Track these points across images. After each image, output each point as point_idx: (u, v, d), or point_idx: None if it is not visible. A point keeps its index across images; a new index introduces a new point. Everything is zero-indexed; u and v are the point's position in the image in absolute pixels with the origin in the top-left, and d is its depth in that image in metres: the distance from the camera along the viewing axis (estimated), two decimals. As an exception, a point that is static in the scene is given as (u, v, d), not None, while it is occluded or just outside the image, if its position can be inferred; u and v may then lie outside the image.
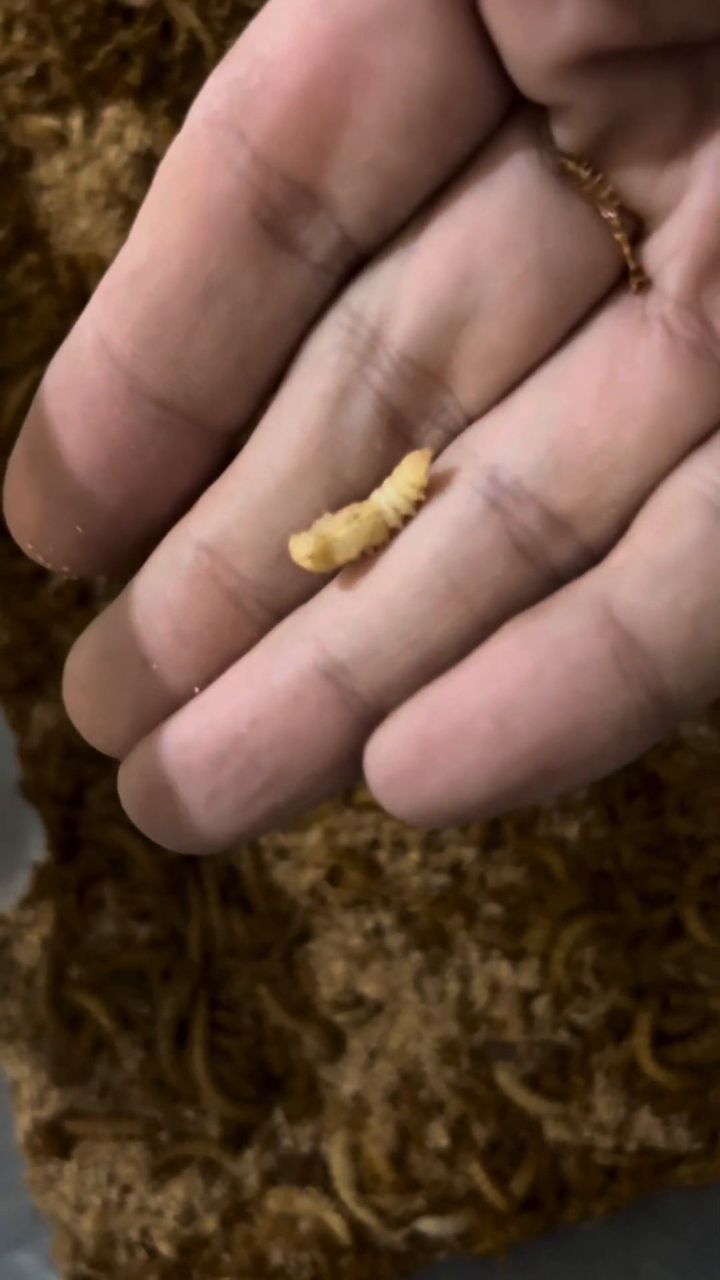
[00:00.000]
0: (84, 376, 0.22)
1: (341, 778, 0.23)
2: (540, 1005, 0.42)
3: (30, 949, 0.43)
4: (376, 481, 0.22)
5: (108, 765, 0.44)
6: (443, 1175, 0.42)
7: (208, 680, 0.23)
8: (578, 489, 0.21)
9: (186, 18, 0.40)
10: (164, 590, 0.23)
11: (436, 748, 0.21)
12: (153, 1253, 0.42)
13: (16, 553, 0.43)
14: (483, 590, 0.22)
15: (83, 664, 0.24)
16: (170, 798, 0.23)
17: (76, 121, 0.41)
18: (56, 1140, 0.43)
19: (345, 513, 0.22)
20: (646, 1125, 0.42)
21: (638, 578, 0.21)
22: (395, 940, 0.43)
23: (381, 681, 0.22)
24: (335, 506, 0.22)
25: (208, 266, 0.21)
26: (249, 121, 0.20)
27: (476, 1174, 0.42)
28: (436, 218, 0.21)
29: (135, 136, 0.41)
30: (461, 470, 0.22)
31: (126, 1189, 0.43)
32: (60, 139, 0.41)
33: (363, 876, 0.43)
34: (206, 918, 0.43)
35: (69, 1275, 0.43)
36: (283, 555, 0.22)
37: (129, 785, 0.23)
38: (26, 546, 0.23)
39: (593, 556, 0.22)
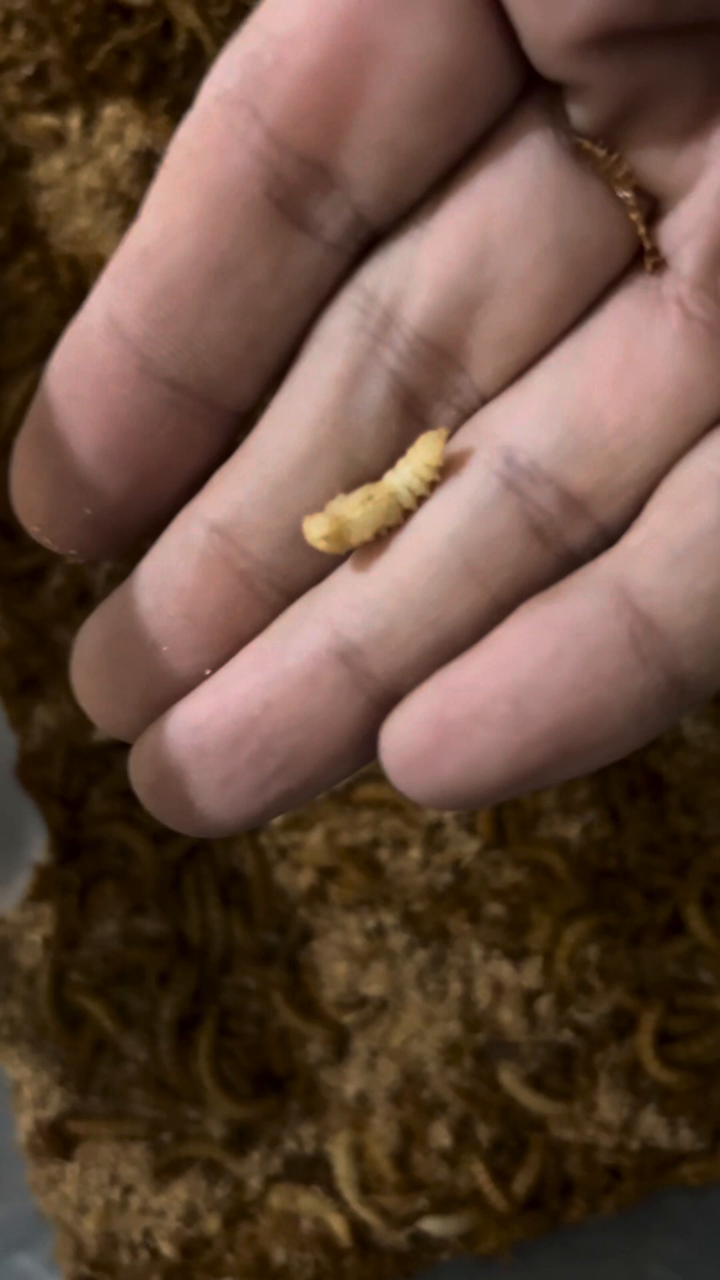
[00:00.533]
0: (94, 356, 0.21)
1: (356, 760, 0.23)
2: (543, 1005, 0.42)
3: (31, 950, 0.43)
4: (390, 462, 0.22)
5: (110, 765, 0.44)
6: (446, 1175, 0.42)
7: (219, 663, 0.23)
8: (595, 470, 0.21)
9: (187, 16, 0.40)
10: (175, 572, 0.22)
11: (453, 731, 0.21)
12: (155, 1253, 0.42)
13: (16, 553, 0.43)
14: (499, 572, 0.21)
15: (91, 647, 0.23)
16: (183, 781, 0.22)
17: (76, 120, 0.41)
18: (58, 1141, 0.43)
19: (359, 494, 0.21)
20: (650, 1124, 0.42)
21: (654, 559, 0.20)
22: (397, 940, 0.42)
23: (396, 664, 0.22)
24: (349, 487, 0.22)
25: (220, 245, 0.21)
26: (262, 99, 0.20)
27: (479, 1174, 0.41)
28: (451, 197, 0.21)
29: (135, 135, 0.40)
30: (477, 451, 0.22)
31: (129, 1190, 0.42)
32: (59, 138, 0.41)
33: (364, 876, 0.42)
34: (208, 918, 0.43)
35: (71, 1277, 0.42)
36: (295, 537, 0.22)
37: (140, 768, 0.23)
38: (34, 530, 0.23)
39: (608, 539, 0.21)
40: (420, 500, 0.22)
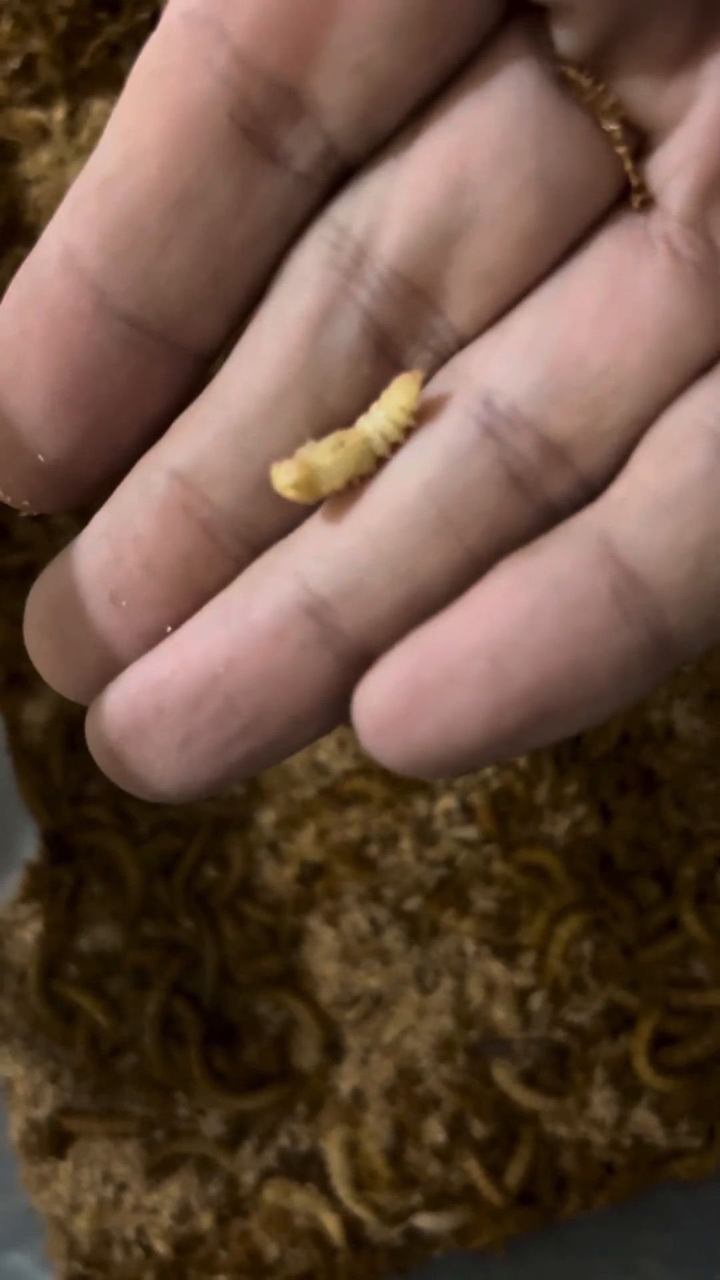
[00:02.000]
0: (49, 292, 0.20)
1: (324, 722, 0.21)
2: (536, 1001, 0.42)
3: (23, 947, 0.43)
4: (362, 407, 0.21)
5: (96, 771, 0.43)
6: (439, 1171, 0.41)
7: (180, 619, 0.21)
8: (577, 415, 0.20)
9: (175, 9, 0.39)
10: (134, 521, 0.21)
11: (428, 692, 0.19)
12: (149, 1251, 0.42)
13: (8, 550, 0.42)
14: (476, 523, 0.20)
15: (45, 602, 0.22)
16: (141, 742, 0.21)
17: (63, 114, 0.40)
18: (51, 1139, 0.42)
19: (331, 440, 0.20)
20: (644, 1121, 0.41)
21: (639, 511, 0.19)
22: (389, 936, 0.42)
23: (367, 619, 0.20)
24: (318, 433, 0.21)
25: (184, 173, 0.19)
26: (230, 17, 0.19)
27: (473, 1169, 0.41)
28: (429, 127, 0.20)
29: (124, 130, 0.40)
30: (455, 395, 0.20)
31: (122, 1187, 0.42)
32: (46, 132, 0.40)
33: (355, 873, 0.42)
34: (197, 917, 0.43)
35: (64, 1275, 0.42)
36: (261, 485, 0.21)
37: (96, 730, 0.22)
38: None
39: (590, 491, 0.20)
40: (394, 447, 0.20)
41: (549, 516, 0.20)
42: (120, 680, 0.22)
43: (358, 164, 0.20)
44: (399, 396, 0.20)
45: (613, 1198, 0.41)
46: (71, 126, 0.40)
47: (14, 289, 0.20)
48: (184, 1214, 0.41)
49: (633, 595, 0.19)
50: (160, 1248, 0.41)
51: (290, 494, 0.20)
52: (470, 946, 0.42)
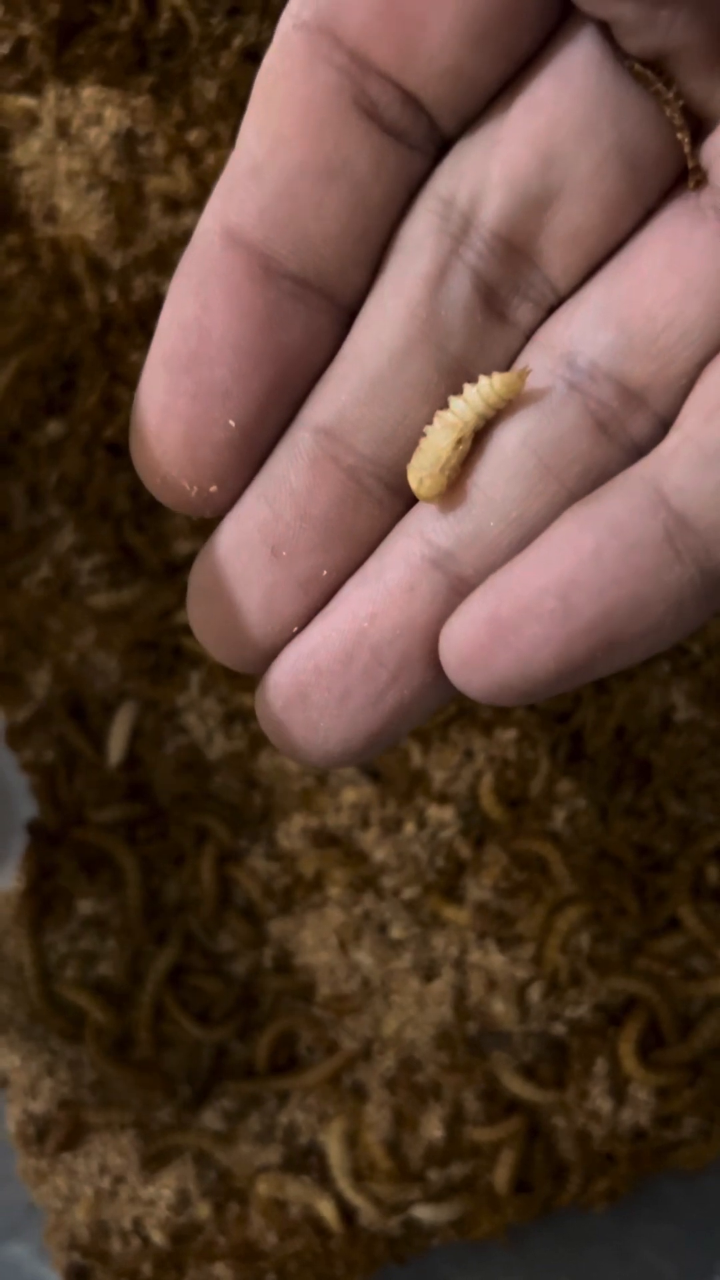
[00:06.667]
0: (219, 267, 0.22)
1: None
2: (535, 993, 0.41)
3: (19, 941, 0.42)
4: (478, 351, 0.23)
5: (92, 760, 0.43)
6: (438, 1163, 0.41)
7: (334, 563, 0.23)
8: (649, 362, 0.22)
9: (169, -5, 0.38)
10: (288, 478, 0.23)
11: (506, 627, 0.22)
12: (146, 1241, 0.41)
13: (3, 554, 0.42)
14: (571, 466, 0.23)
15: (209, 569, 0.24)
16: (304, 705, 0.23)
17: (54, 101, 0.39)
18: (49, 1131, 0.42)
19: (450, 438, 0.22)
20: (643, 1112, 0.41)
21: (687, 461, 0.22)
22: (388, 927, 0.41)
23: (487, 563, 0.23)
24: (443, 377, 0.23)
25: (325, 147, 0.22)
26: (340, 26, 0.21)
27: (470, 1162, 0.41)
28: (516, 109, 0.22)
29: (115, 117, 0.39)
30: (541, 362, 0.23)
31: (119, 1179, 0.41)
32: (38, 119, 0.39)
33: (353, 864, 0.42)
34: (196, 911, 0.42)
35: (63, 1265, 0.41)
36: (397, 430, 0.23)
37: (264, 706, 0.24)
38: (170, 473, 0.23)
39: (668, 430, 0.22)
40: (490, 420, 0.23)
41: (634, 455, 0.23)
42: (280, 658, 0.24)
43: (454, 139, 0.23)
44: (503, 389, 0.22)
45: (612, 1186, 0.41)
46: (62, 114, 0.39)
47: (181, 279, 0.23)
48: (181, 1204, 0.41)
49: (683, 536, 0.22)
50: (157, 1238, 0.41)
51: (433, 499, 0.23)
52: (470, 937, 0.41)
